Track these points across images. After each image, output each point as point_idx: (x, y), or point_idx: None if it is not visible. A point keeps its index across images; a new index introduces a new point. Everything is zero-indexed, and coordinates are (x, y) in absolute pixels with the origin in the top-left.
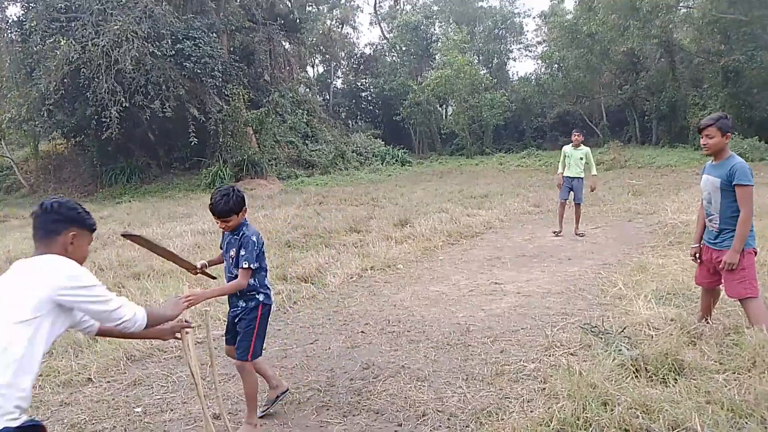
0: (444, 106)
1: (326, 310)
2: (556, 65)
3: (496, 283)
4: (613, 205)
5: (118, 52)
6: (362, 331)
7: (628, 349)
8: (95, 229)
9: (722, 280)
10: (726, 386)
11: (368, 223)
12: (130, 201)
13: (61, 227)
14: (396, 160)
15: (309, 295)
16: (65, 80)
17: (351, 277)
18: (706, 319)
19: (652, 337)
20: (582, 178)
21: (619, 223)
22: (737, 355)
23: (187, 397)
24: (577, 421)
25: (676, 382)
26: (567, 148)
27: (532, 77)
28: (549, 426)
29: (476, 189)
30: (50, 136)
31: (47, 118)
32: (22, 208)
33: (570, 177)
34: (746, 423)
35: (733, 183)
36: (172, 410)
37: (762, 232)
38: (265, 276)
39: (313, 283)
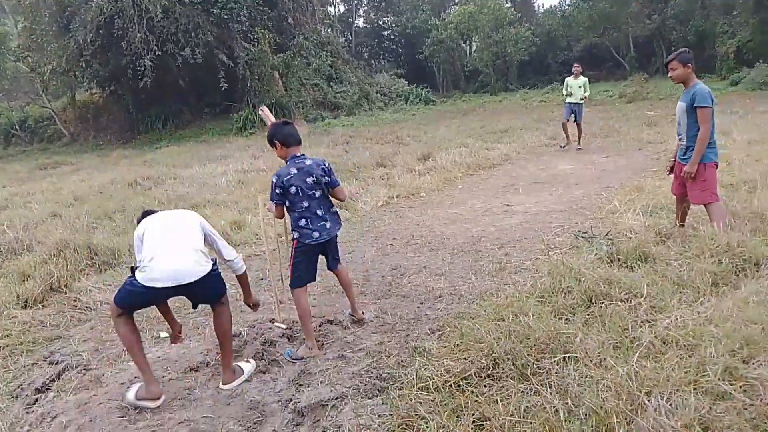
0: (468, 42)
1: (359, 229)
2: None
3: (507, 205)
4: (627, 136)
5: (149, 0)
6: (390, 244)
7: (606, 247)
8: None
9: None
10: (678, 268)
11: (393, 158)
12: (168, 146)
13: None
14: (420, 100)
15: (344, 219)
16: (100, 31)
17: (380, 204)
18: (681, 225)
19: (630, 238)
20: (582, 104)
21: (630, 152)
22: (694, 247)
23: (255, 290)
24: (554, 290)
25: (640, 267)
26: (569, 79)
27: (558, 10)
28: (533, 295)
29: (497, 125)
30: (87, 86)
31: (84, 68)
32: (68, 155)
33: (572, 103)
34: (684, 291)
35: (694, 105)
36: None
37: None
38: (299, 217)
39: (347, 210)
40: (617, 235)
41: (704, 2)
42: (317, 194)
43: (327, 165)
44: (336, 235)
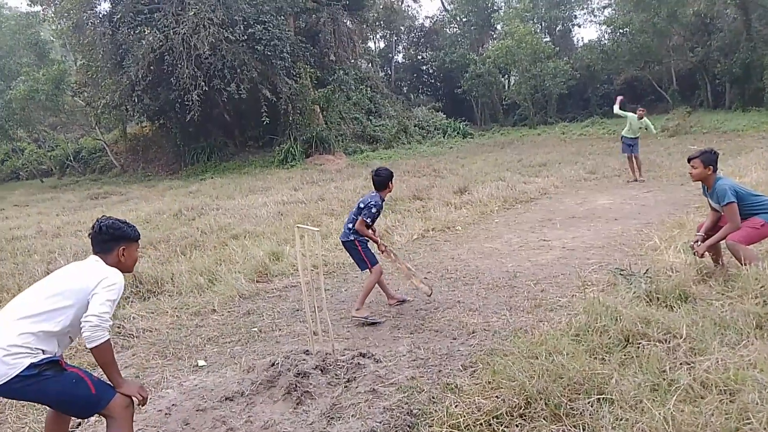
0: (506, 76)
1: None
2: (620, 30)
3: (544, 240)
4: (669, 171)
5: (197, 38)
6: (425, 277)
7: (645, 285)
8: (139, 238)
9: None
10: (720, 309)
11: (430, 191)
12: (212, 177)
13: (113, 245)
14: (458, 133)
15: (379, 252)
16: (151, 67)
17: (415, 237)
18: (721, 263)
19: (670, 276)
20: (638, 139)
21: (672, 187)
22: (736, 287)
23: (290, 321)
24: (590, 329)
25: (680, 307)
26: (632, 116)
27: (597, 45)
28: (568, 333)
29: (535, 158)
30: (137, 119)
31: (136, 102)
32: (118, 186)
33: (631, 137)
34: (726, 332)
35: (722, 205)
36: (280, 329)
37: None
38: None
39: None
40: (657, 272)
41: (750, 34)
42: None
43: None
44: None
